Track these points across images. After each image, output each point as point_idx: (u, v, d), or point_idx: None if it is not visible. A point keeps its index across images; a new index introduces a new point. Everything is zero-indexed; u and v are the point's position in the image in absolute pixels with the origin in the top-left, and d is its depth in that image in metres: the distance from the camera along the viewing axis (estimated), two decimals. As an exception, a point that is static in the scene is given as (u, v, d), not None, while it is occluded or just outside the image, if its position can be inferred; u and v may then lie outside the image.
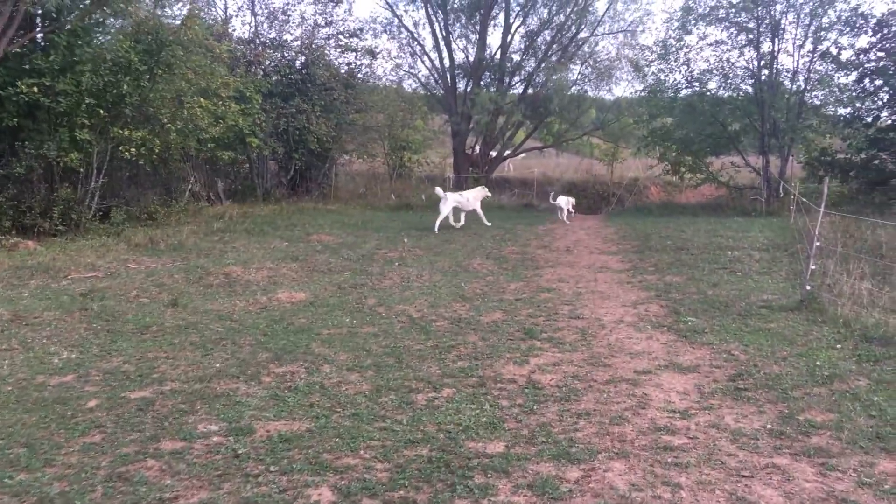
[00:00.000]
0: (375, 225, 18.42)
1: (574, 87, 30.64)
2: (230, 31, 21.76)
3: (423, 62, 32.16)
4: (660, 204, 24.24)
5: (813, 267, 8.99)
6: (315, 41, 22.88)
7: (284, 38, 22.98)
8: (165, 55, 15.43)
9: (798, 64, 21.30)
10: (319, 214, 20.36)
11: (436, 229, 17.56)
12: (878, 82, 20.69)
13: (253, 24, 22.62)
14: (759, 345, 7.43)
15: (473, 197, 19.14)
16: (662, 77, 22.83)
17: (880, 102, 20.67)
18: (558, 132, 32.25)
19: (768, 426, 5.20)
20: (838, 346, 7.34)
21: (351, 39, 23.82)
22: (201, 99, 16.19)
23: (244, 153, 21.47)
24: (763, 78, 21.28)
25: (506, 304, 9.57)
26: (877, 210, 17.61)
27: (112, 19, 16.19)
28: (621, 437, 5.03)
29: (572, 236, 16.81)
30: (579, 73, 31.11)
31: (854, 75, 21.14)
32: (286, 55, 22.30)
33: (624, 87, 39.69)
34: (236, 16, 22.85)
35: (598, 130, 32.53)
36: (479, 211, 19.05)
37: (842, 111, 21.29)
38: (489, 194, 20.34)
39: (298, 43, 22.89)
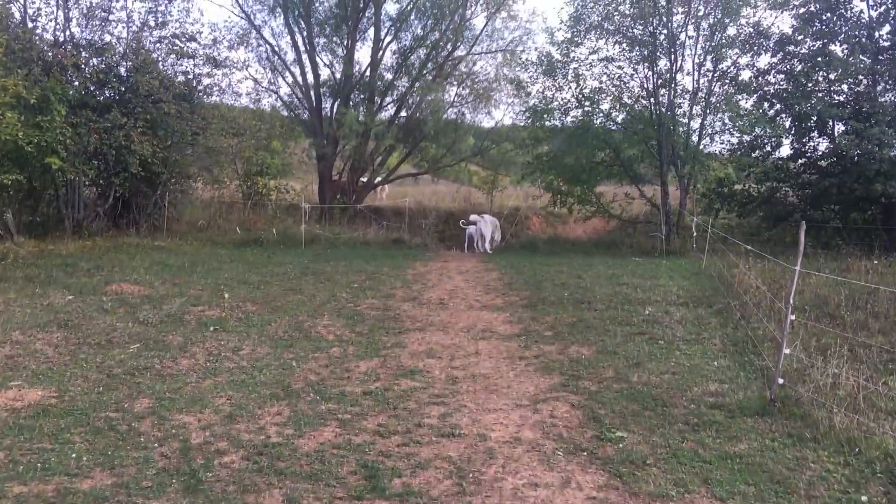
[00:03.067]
0: (207, 267, 14.81)
1: (451, 110, 28.13)
2: (31, 26, 17.65)
3: (284, 78, 28.76)
4: (547, 239, 21.68)
5: (787, 351, 6.27)
6: (144, 45, 19.04)
7: (105, 39, 19.03)
8: None
9: (698, 84, 19.28)
10: (141, 253, 16.54)
11: (489, 249, 19.84)
12: (778, 107, 18.98)
13: (60, 19, 18.56)
14: (742, 495, 4.59)
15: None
16: (549, 95, 20.23)
17: (780, 129, 18.90)
18: (434, 157, 29.55)
19: None
20: (863, 498, 4.58)
21: (189, 44, 20.10)
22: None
23: (47, 177, 17.33)
24: (661, 98, 19.14)
25: (346, 406, 6.40)
26: (787, 249, 15.52)
27: None
28: None
29: (448, 283, 13.77)
30: (456, 94, 28.65)
31: (752, 99, 19.33)
32: (107, 60, 18.30)
33: (504, 111, 37.57)
34: (40, 10, 18.51)
35: (477, 157, 30.10)
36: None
37: (746, 138, 19.36)
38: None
39: (123, 47, 18.96)
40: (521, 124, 23.75)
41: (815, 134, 19.04)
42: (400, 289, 12.85)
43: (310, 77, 27.58)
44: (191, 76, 20.28)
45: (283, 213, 24.33)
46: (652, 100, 19.37)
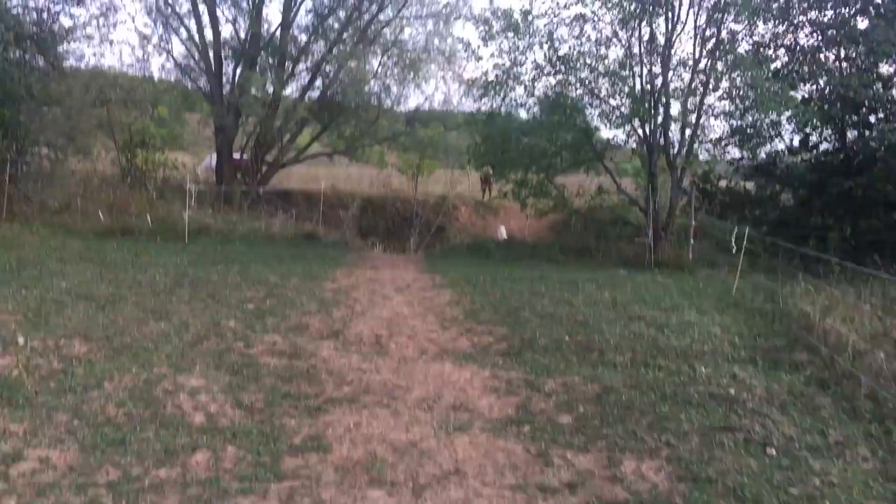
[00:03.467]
0: (41, 269, 10.53)
1: (374, 81, 24.32)
2: None
3: (177, 34, 24.15)
4: (501, 243, 18.06)
5: None
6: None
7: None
8: None
9: (697, 54, 15.67)
10: (-45, 246, 12.07)
11: None
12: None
13: None
14: None
15: None
16: (511, 59, 16.13)
17: (810, 114, 15.47)
18: (353, 136, 25.63)
19: None
20: None
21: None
22: None
23: None
24: (653, 69, 15.51)
25: None
26: (803, 267, 12.09)
27: None
28: None
29: (384, 307, 9.79)
30: (380, 63, 24.79)
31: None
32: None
33: (435, 84, 33.73)
34: None
35: (402, 136, 26.29)
36: None
37: (749, 119, 15.87)
38: None
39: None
40: (465, 93, 19.88)
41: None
42: (315, 315, 8.89)
43: (208, 34, 23.33)
44: (45, 14, 15.68)
45: (170, 195, 19.91)
46: (646, 70, 15.58)
